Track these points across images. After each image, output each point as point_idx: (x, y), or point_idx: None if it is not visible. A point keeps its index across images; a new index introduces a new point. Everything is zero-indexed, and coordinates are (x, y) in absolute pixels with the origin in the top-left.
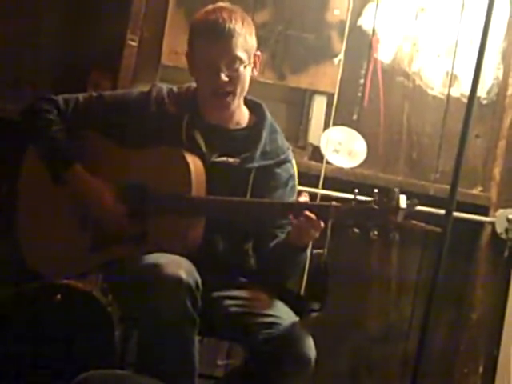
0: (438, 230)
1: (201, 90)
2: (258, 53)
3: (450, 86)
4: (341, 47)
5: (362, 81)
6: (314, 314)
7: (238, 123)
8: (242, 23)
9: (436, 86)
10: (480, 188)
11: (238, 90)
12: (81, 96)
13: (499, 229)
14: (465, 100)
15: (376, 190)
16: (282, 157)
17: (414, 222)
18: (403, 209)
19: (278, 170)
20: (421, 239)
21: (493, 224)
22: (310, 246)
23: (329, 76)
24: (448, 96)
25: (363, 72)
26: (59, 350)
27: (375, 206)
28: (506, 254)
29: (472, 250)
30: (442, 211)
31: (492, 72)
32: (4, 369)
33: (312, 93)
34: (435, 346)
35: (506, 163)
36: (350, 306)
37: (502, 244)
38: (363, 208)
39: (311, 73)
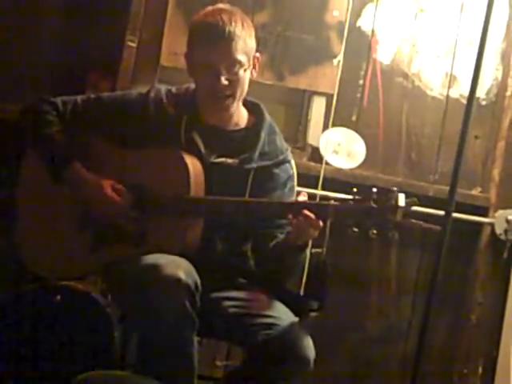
0: (437, 228)
1: (200, 92)
2: (257, 54)
3: (449, 87)
4: (340, 48)
5: (361, 82)
6: (313, 314)
7: (236, 124)
8: (242, 26)
9: (435, 87)
10: (479, 189)
11: (238, 93)
12: (79, 98)
13: (498, 230)
14: (464, 101)
15: (374, 189)
16: (281, 157)
17: (413, 220)
18: (402, 207)
19: (276, 171)
20: (420, 240)
21: (492, 225)
22: (309, 246)
23: (328, 77)
24: (447, 97)
25: (362, 73)
26: (59, 351)
27: (374, 205)
28: (506, 254)
29: (471, 250)
30: (442, 212)
31: (491, 73)
32: (4, 369)
33: (311, 94)
34: (434, 347)
35: (505, 164)
36: (349, 306)
37: (502, 245)
38: (362, 207)
39: (310, 74)
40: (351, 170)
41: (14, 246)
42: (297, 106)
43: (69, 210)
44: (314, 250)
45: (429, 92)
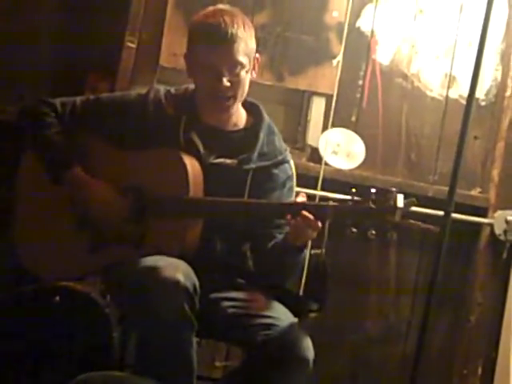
0: (436, 228)
1: (199, 92)
2: (257, 55)
3: (448, 88)
4: (339, 49)
5: (360, 82)
6: (313, 315)
7: (235, 125)
8: (244, 27)
9: (435, 88)
10: (478, 189)
11: (239, 95)
12: (78, 99)
13: (498, 230)
14: (463, 101)
15: (373, 190)
16: (280, 158)
17: (412, 221)
18: (401, 208)
19: (275, 171)
20: (419, 240)
21: (491, 225)
22: (309, 247)
23: (327, 77)
24: (447, 97)
25: (362, 73)
26: (58, 352)
27: (372, 206)
28: (505, 255)
29: (470, 251)
30: (441, 212)
31: (490, 73)
32: (3, 370)
33: (311, 94)
34: (434, 348)
35: (504, 164)
36: (349, 306)
37: (501, 245)
38: (360, 207)
39: (310, 74)
40: (350, 170)
41: (12, 246)
42: (296, 106)
43: (68, 211)
44: (313, 251)
45: (428, 92)
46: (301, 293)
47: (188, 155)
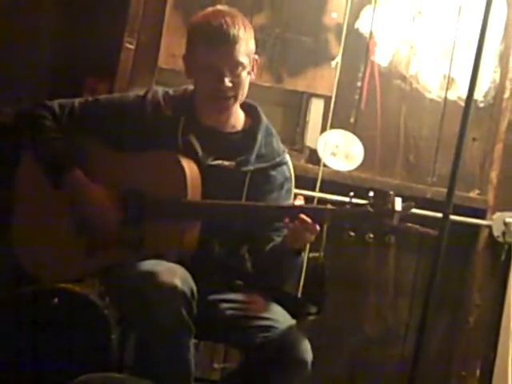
0: (434, 232)
1: (199, 93)
2: (256, 56)
3: (447, 89)
4: (338, 50)
5: (359, 84)
6: (311, 317)
7: (233, 126)
8: (244, 28)
9: (433, 89)
10: (477, 191)
11: (240, 95)
12: (76, 101)
13: (496, 232)
14: (462, 103)
15: (371, 193)
16: (278, 159)
17: (410, 224)
18: (399, 211)
19: (273, 173)
20: (417, 242)
21: (490, 227)
22: (307, 250)
23: (326, 79)
24: (445, 99)
25: (360, 75)
26: (56, 354)
27: (370, 209)
28: (503, 257)
29: (469, 253)
30: (439, 214)
31: (489, 75)
32: (2, 371)
33: (309, 96)
34: (432, 349)
35: (503, 166)
36: (347, 309)
37: (499, 247)
38: (358, 211)
39: (308, 76)
40: (349, 172)
41: (11, 248)
42: (295, 107)
43: (66, 213)
44: (311, 254)
45: (427, 94)
46: (299, 296)
47: (186, 158)
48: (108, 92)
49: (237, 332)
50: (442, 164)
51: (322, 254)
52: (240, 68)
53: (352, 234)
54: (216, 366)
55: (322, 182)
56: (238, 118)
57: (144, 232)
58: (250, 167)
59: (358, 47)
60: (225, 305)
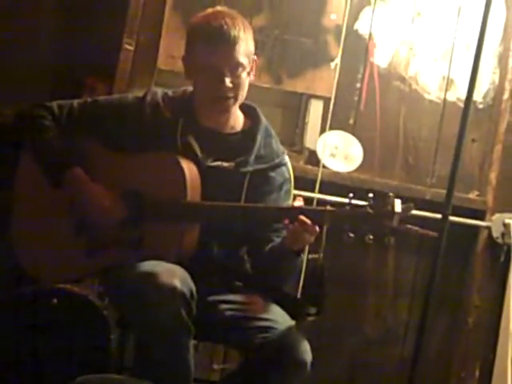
0: (434, 234)
1: (199, 94)
2: (255, 57)
3: (446, 91)
4: (337, 51)
5: (358, 85)
6: (311, 318)
7: (232, 127)
8: (244, 29)
9: (432, 91)
10: (476, 192)
11: (240, 95)
12: (75, 102)
13: (495, 233)
14: (461, 104)
15: (371, 195)
16: (277, 160)
17: (409, 226)
18: (398, 213)
19: (272, 174)
20: (417, 243)
21: (489, 228)
22: (306, 251)
23: (325, 80)
24: (444, 100)
25: (360, 76)
26: (56, 354)
27: (370, 211)
28: (502, 258)
29: (468, 254)
30: (439, 216)
31: (488, 76)
32: (1, 372)
33: (308, 97)
34: (432, 350)
35: (502, 167)
36: (347, 310)
37: (498, 248)
38: (358, 212)
39: (308, 77)
40: (348, 173)
41: (11, 248)
42: (294, 109)
43: (66, 213)
44: (310, 256)
45: (426, 95)
46: (298, 297)
47: (185, 159)
48: (107, 93)
49: (236, 333)
50: (441, 165)
51: (321, 255)
52: (240, 68)
53: (351, 235)
54: (215, 366)
55: (322, 183)
56: (237, 119)
57: (143, 233)
58: (249, 168)
59: (358, 48)
60: (224, 306)
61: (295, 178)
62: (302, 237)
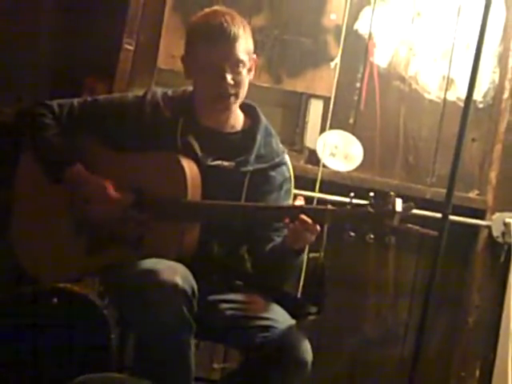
0: (434, 233)
1: (200, 93)
2: (254, 56)
3: (446, 90)
4: (337, 51)
5: (358, 85)
6: (312, 318)
7: (232, 127)
8: (243, 27)
9: (432, 90)
10: (476, 191)
11: (241, 93)
12: (76, 101)
13: (496, 232)
14: (461, 104)
15: (372, 194)
16: (277, 160)
17: (410, 225)
18: (399, 212)
19: (272, 173)
20: (417, 243)
21: (489, 228)
22: (307, 250)
23: (325, 80)
24: (444, 100)
25: (359, 76)
26: (56, 354)
27: (371, 210)
28: (503, 257)
29: (468, 253)
30: (439, 215)
31: (488, 76)
32: (1, 372)
33: (308, 96)
34: (432, 350)
35: (502, 167)
36: (347, 309)
37: (499, 248)
38: (359, 212)
39: (308, 77)
40: (348, 172)
41: (11, 248)
42: (294, 108)
43: (66, 212)
44: (311, 255)
45: (426, 95)
46: (299, 296)
47: (186, 158)
48: (107, 92)
49: (237, 332)
50: (441, 164)
51: (322, 254)
52: (241, 65)
53: (352, 234)
54: (216, 366)
55: (322, 182)
56: (238, 119)
57: (144, 231)
58: (250, 168)
59: (357, 48)
60: (225, 305)
61: (295, 177)
62: (302, 236)
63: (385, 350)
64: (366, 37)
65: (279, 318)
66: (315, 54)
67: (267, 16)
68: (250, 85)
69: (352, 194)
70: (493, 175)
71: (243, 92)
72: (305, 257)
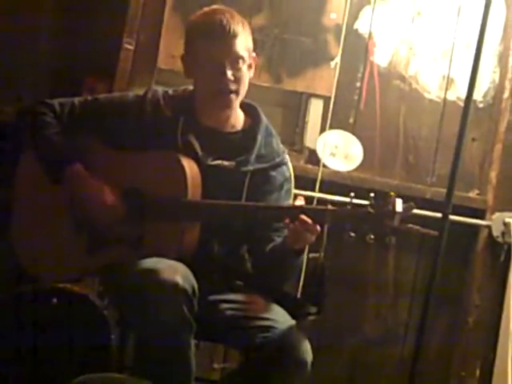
0: (435, 233)
1: (200, 91)
2: (254, 54)
3: (446, 90)
4: (337, 51)
5: (358, 84)
6: (312, 318)
7: (233, 126)
8: (243, 24)
9: (432, 90)
10: (476, 191)
11: (241, 90)
12: (76, 99)
13: (496, 232)
14: (461, 103)
15: (372, 194)
16: (278, 160)
17: (410, 225)
18: (399, 213)
19: (273, 173)
20: (417, 243)
21: (489, 227)
22: (307, 250)
23: (325, 79)
24: (444, 99)
25: (360, 75)
26: (56, 354)
27: (371, 210)
28: (503, 257)
29: (468, 253)
30: (439, 215)
31: (488, 75)
32: (2, 372)
33: (308, 96)
34: (432, 349)
35: (502, 166)
36: (347, 309)
37: (499, 247)
38: (359, 212)
39: (308, 76)
40: (348, 172)
41: (11, 247)
42: (294, 108)
43: (66, 212)
44: (311, 255)
45: (426, 94)
46: (299, 296)
47: (186, 157)
48: (107, 92)
49: (237, 332)
50: (441, 164)
51: (322, 254)
52: (240, 61)
53: (352, 234)
54: (216, 366)
55: (322, 182)
56: (238, 118)
57: (144, 231)
58: (250, 167)
59: (358, 48)
60: (225, 305)
61: (295, 177)
62: (303, 236)
63: (385, 349)
64: (366, 36)
65: (279, 318)
66: (315, 53)
67: (267, 15)
68: (250, 84)
69: (352, 194)
70: (493, 175)
71: (243, 89)
72: (305, 257)
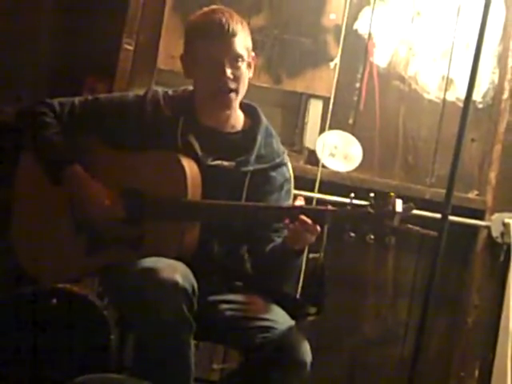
0: (434, 233)
1: (200, 91)
2: (253, 54)
3: (445, 90)
4: (337, 51)
5: (357, 85)
6: (311, 318)
7: (233, 127)
8: (241, 24)
9: (432, 90)
10: (476, 192)
11: (241, 89)
12: (76, 99)
13: (495, 233)
14: (460, 104)
15: (372, 194)
16: (278, 160)
17: (410, 225)
18: (399, 213)
19: (273, 174)
20: (417, 243)
21: (488, 228)
22: (307, 250)
23: (325, 80)
24: (444, 100)
25: (359, 76)
26: (55, 354)
27: (371, 210)
28: (502, 257)
29: (468, 254)
30: (438, 215)
31: (488, 76)
32: (1, 372)
33: (308, 97)
34: (431, 350)
35: (501, 167)
36: (347, 309)
37: (498, 248)
38: (359, 212)
39: (307, 77)
40: (348, 172)
41: (11, 248)
42: (294, 108)
43: (66, 212)
44: (311, 255)
45: (425, 95)
46: (298, 296)
47: (186, 157)
48: (107, 92)
49: (236, 333)
50: (440, 165)
51: (321, 254)
52: (240, 60)
53: (352, 234)
54: (215, 366)
55: (321, 182)
56: (238, 119)
57: (143, 231)
58: (250, 168)
59: (357, 48)
60: (224, 306)
61: (295, 177)
62: (302, 236)
63: (385, 349)
64: (366, 37)
65: (279, 318)
66: (315, 53)
67: (267, 16)
68: (250, 85)
69: (352, 195)
70: (492, 175)
71: (243, 88)
72: (304, 257)
